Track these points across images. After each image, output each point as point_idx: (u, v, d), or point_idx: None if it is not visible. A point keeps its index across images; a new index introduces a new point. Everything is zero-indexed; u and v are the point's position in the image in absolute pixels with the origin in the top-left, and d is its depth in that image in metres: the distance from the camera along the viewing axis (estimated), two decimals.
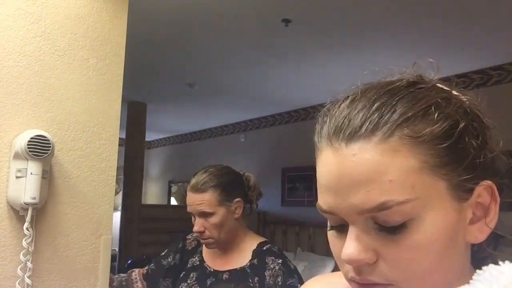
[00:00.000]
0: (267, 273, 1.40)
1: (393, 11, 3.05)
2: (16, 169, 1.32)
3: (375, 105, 0.46)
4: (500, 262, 0.43)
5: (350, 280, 0.48)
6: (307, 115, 5.80)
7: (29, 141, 1.31)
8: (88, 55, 1.54)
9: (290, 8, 3.06)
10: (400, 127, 0.45)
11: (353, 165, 0.45)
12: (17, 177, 1.32)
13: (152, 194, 8.68)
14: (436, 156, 0.44)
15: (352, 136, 0.45)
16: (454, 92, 0.51)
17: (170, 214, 6.37)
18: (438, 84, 0.51)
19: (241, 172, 1.62)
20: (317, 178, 0.49)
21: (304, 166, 5.60)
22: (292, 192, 5.82)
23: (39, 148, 1.32)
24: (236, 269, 1.47)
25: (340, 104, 0.49)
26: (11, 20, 1.38)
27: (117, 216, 5.51)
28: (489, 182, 0.47)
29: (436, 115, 0.45)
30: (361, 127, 0.45)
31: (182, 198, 7.94)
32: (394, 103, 0.46)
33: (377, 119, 0.45)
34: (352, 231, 0.46)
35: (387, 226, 0.44)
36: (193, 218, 1.55)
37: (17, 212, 1.34)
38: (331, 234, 0.50)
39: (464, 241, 0.47)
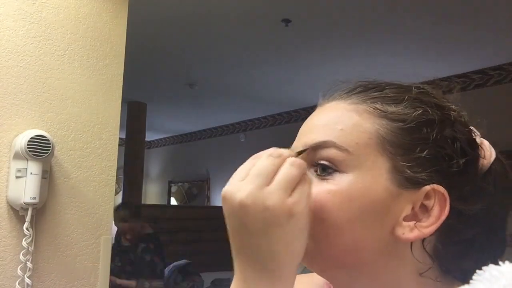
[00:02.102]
0: None
1: (393, 11, 3.05)
2: (16, 169, 1.32)
3: (371, 85, 0.52)
4: (500, 262, 0.43)
5: None
6: (307, 115, 5.75)
7: (29, 141, 1.31)
8: (88, 55, 1.54)
9: (290, 8, 3.06)
10: (373, 100, 0.50)
11: (322, 114, 0.53)
12: (17, 177, 1.32)
13: (152, 194, 8.68)
14: (390, 132, 0.48)
15: (336, 97, 0.53)
16: (452, 107, 0.51)
17: (170, 214, 6.37)
18: (438, 94, 0.52)
19: None
20: None
21: None
22: None
23: (39, 148, 1.32)
24: None
25: None
26: (11, 20, 1.38)
27: None
28: (442, 189, 0.46)
29: (407, 102, 0.49)
30: (346, 92, 0.52)
31: (182, 198, 7.94)
32: (385, 88, 0.52)
33: (360, 90, 0.52)
34: None
35: (319, 165, 0.48)
36: None
37: (17, 212, 1.34)
38: None
39: (390, 229, 0.46)
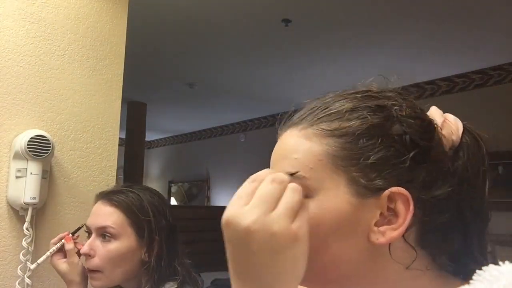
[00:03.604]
0: None
1: (393, 11, 3.05)
2: (16, 169, 1.32)
3: (318, 104, 0.54)
4: (500, 262, 0.43)
5: None
6: None
7: (29, 141, 1.31)
8: (88, 55, 1.54)
9: (290, 8, 3.06)
10: (319, 121, 0.51)
11: (281, 145, 0.54)
12: (17, 177, 1.32)
13: None
14: (338, 149, 0.49)
15: (290, 125, 0.54)
16: (393, 102, 0.51)
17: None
18: (382, 93, 0.53)
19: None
20: None
21: None
22: None
23: (39, 148, 1.32)
24: None
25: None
26: (11, 20, 1.38)
27: None
28: (401, 190, 0.47)
29: (347, 114, 0.50)
30: (298, 118, 0.54)
31: (182, 198, 7.94)
32: (330, 104, 0.53)
33: (308, 113, 0.53)
34: None
35: None
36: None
37: (17, 212, 1.34)
38: None
39: (366, 237, 0.48)
